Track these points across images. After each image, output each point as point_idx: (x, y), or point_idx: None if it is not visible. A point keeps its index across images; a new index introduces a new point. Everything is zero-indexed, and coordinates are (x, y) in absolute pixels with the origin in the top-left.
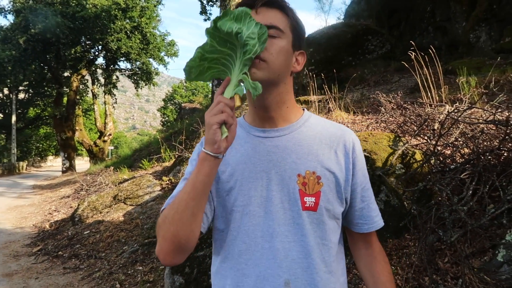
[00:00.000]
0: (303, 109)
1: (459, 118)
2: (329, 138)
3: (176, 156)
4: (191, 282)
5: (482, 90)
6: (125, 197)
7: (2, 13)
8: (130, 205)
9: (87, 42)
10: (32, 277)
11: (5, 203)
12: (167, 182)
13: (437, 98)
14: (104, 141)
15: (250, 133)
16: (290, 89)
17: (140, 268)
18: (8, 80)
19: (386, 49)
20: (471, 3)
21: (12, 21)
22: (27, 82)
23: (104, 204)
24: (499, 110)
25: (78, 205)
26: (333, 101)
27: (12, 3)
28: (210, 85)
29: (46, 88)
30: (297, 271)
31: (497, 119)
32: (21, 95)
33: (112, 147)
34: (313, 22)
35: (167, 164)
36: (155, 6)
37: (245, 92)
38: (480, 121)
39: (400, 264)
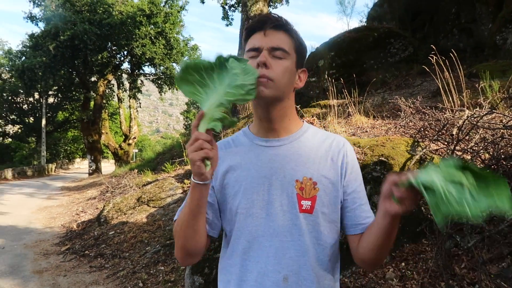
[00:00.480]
0: (303, 121)
1: (478, 123)
2: (325, 147)
3: None
4: (210, 282)
5: (505, 94)
6: (148, 199)
7: (34, 21)
8: (153, 207)
9: (113, 48)
10: (61, 275)
11: (35, 204)
12: (189, 185)
13: (459, 102)
14: (129, 144)
15: (253, 142)
16: (292, 103)
17: (162, 268)
18: (39, 85)
19: (408, 52)
20: (497, 4)
21: (42, 29)
22: (56, 87)
23: (128, 206)
24: None
25: (104, 206)
26: (353, 106)
27: (43, 11)
28: None
29: (74, 93)
30: (294, 268)
31: None
32: (51, 99)
33: (137, 150)
34: (335, 25)
35: (188, 167)
36: (178, 11)
37: (219, 128)
38: (500, 126)
39: (417, 269)
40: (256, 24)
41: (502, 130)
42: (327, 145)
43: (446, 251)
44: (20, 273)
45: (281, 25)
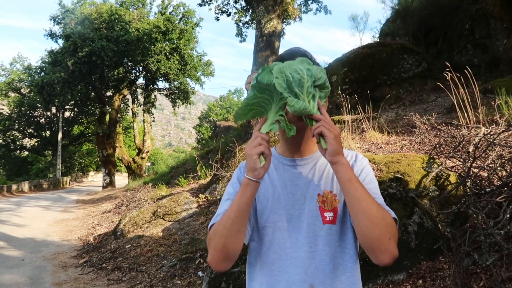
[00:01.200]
0: None
1: (495, 141)
2: None
3: (212, 174)
4: None
5: None
6: (163, 213)
7: (54, 38)
8: (168, 221)
9: (129, 64)
10: (80, 287)
11: (52, 216)
12: (204, 199)
13: (474, 119)
14: (142, 158)
15: (280, 162)
16: None
17: (179, 282)
18: (56, 100)
19: (422, 67)
20: (511, 20)
21: (61, 45)
22: (73, 101)
23: (144, 220)
24: None
25: (120, 220)
26: (367, 121)
27: (62, 28)
28: None
29: (89, 107)
30: (320, 276)
31: None
32: (67, 114)
33: (149, 164)
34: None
35: (203, 181)
36: (193, 28)
37: (277, 130)
38: None
39: (434, 286)
40: (286, 56)
41: None
42: None
43: (464, 269)
44: (40, 285)
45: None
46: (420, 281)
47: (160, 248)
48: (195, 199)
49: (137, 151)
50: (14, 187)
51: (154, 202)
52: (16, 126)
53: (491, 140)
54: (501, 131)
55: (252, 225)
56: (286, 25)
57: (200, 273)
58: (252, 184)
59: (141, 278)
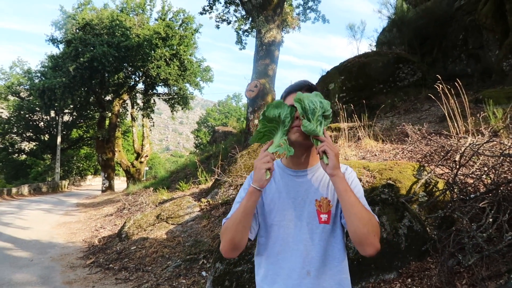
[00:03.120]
0: None
1: (479, 150)
2: None
3: (214, 179)
4: None
5: (506, 122)
6: (167, 217)
7: (55, 43)
8: (172, 224)
9: (129, 69)
10: (89, 286)
11: (54, 219)
12: (206, 203)
13: (464, 128)
14: (141, 162)
15: (285, 172)
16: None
17: (184, 281)
18: (56, 104)
19: (417, 76)
20: (504, 32)
21: (61, 50)
22: (72, 106)
23: (148, 223)
24: None
25: (125, 222)
26: (363, 129)
27: (64, 34)
28: (243, 109)
29: (89, 111)
30: (316, 265)
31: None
32: (66, 117)
33: (147, 168)
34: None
35: (203, 186)
36: (192, 34)
37: (282, 151)
38: (497, 154)
39: (422, 284)
40: (296, 87)
41: (502, 157)
42: None
43: (449, 268)
44: (52, 284)
45: (312, 88)
46: (409, 280)
47: (165, 249)
48: (198, 203)
49: (135, 155)
50: (14, 190)
51: (156, 206)
52: (15, 130)
53: (475, 149)
54: (484, 141)
55: (259, 224)
56: (285, 33)
57: (203, 273)
58: (257, 192)
59: (148, 278)
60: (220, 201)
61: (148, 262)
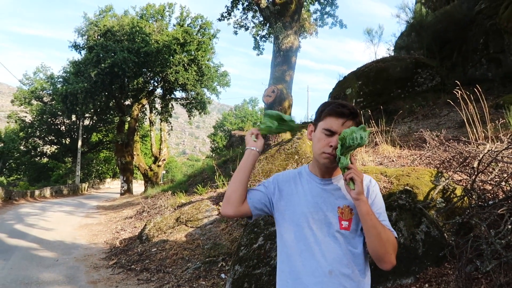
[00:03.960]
0: None
1: (498, 157)
2: None
3: None
4: None
5: None
6: (186, 220)
7: (77, 49)
8: (191, 227)
9: (149, 74)
10: (113, 286)
11: (76, 221)
12: None
13: (483, 135)
14: (159, 166)
15: (312, 179)
16: None
17: (203, 283)
18: (78, 109)
19: (436, 81)
20: None
21: (83, 55)
22: (92, 110)
23: (168, 225)
24: None
25: (145, 225)
26: (380, 135)
27: (86, 40)
28: (260, 114)
29: (108, 116)
30: (337, 265)
31: None
32: (86, 122)
33: (164, 171)
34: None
35: (221, 190)
36: (210, 39)
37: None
38: None
39: None
40: (339, 110)
41: None
42: None
43: (467, 274)
44: (77, 283)
45: (355, 117)
46: (426, 285)
47: (185, 252)
48: (216, 207)
49: (153, 159)
50: (36, 192)
51: (175, 209)
52: (38, 133)
53: (493, 156)
54: (503, 148)
55: (267, 204)
56: (302, 38)
57: (222, 275)
58: (249, 151)
59: (169, 279)
60: None
61: (169, 263)
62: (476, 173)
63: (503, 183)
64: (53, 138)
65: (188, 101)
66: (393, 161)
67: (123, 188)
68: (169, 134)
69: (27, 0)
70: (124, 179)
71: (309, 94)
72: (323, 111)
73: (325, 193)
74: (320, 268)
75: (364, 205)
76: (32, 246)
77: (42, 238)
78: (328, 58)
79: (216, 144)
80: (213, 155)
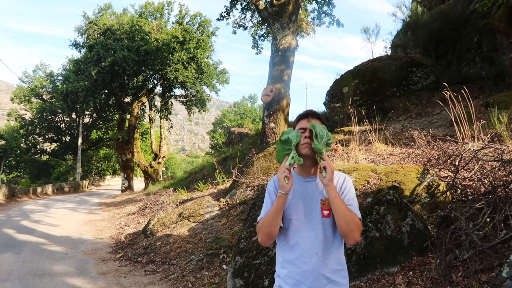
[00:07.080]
0: None
1: (478, 155)
2: (335, 181)
3: (232, 180)
4: (249, 284)
5: (508, 127)
6: (188, 215)
7: (78, 48)
8: (193, 222)
9: (148, 72)
10: (121, 276)
11: (80, 217)
12: (224, 203)
13: (470, 133)
14: (159, 163)
15: (297, 178)
16: None
17: (206, 273)
18: (78, 106)
19: (430, 80)
20: None
21: (82, 54)
22: (92, 107)
23: (171, 221)
24: None
25: (149, 220)
26: (374, 133)
27: (86, 39)
28: (259, 111)
29: (108, 113)
30: (321, 248)
31: (505, 158)
32: (86, 119)
33: (164, 168)
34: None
35: (221, 186)
36: (209, 37)
37: (293, 162)
38: (491, 159)
39: (422, 277)
40: (305, 115)
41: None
42: (335, 180)
43: (447, 262)
44: (88, 274)
45: (317, 116)
46: (411, 273)
47: (188, 245)
48: (217, 203)
49: (153, 156)
50: (39, 189)
51: (177, 205)
52: (38, 131)
53: (473, 154)
54: (481, 147)
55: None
56: (300, 38)
57: (224, 266)
58: (283, 196)
59: (173, 270)
60: (238, 201)
61: (173, 256)
62: (456, 170)
63: (485, 179)
64: (53, 135)
65: (187, 98)
66: (384, 158)
67: (124, 185)
68: (168, 131)
69: None
70: (125, 176)
71: (307, 90)
72: (296, 121)
73: (309, 189)
74: (308, 251)
75: (332, 190)
76: (41, 241)
77: (49, 234)
78: (326, 54)
79: (216, 141)
80: (213, 152)
